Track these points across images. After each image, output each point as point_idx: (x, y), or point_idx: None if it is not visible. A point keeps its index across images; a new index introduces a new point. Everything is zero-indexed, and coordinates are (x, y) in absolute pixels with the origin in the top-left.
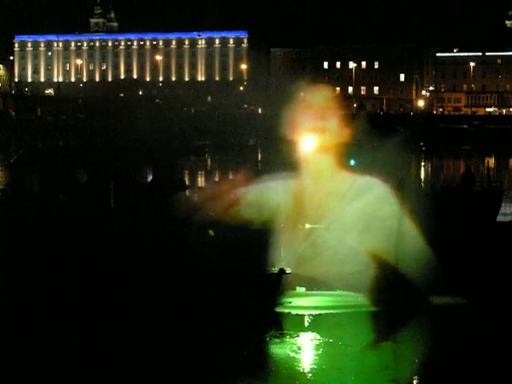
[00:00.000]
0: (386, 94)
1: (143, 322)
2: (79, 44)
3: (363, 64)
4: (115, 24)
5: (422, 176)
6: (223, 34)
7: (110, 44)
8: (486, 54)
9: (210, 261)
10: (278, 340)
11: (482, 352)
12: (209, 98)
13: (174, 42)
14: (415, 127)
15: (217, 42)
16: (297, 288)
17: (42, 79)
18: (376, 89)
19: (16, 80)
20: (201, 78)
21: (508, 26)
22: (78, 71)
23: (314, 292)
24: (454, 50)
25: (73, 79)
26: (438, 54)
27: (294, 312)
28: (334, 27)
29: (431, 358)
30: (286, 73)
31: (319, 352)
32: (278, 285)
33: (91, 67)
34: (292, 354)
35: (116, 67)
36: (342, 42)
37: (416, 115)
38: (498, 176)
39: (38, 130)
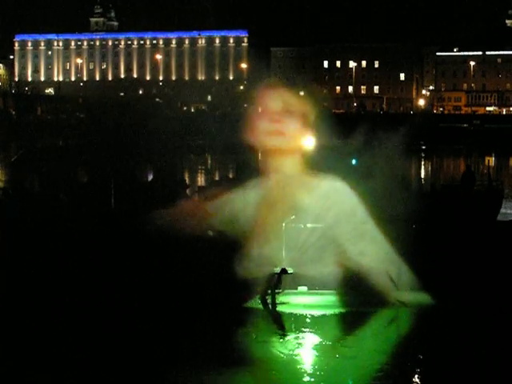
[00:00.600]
0: (386, 93)
1: (144, 324)
2: (79, 43)
3: (363, 63)
4: (115, 23)
5: (422, 175)
6: (223, 34)
7: (110, 43)
8: (486, 53)
9: (209, 262)
10: (277, 339)
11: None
12: (209, 97)
13: (174, 42)
14: (416, 126)
15: (217, 41)
16: (298, 287)
17: (42, 78)
18: (376, 88)
19: (16, 79)
20: (201, 77)
21: (508, 25)
22: (78, 70)
23: (316, 291)
24: (454, 49)
25: (73, 78)
26: (438, 53)
27: (294, 311)
28: (334, 26)
29: (432, 358)
30: (286, 72)
31: (318, 352)
32: (279, 284)
33: (91, 66)
34: (291, 354)
35: (116, 66)
36: (342, 41)
37: (416, 114)
38: (498, 175)
39: (39, 130)
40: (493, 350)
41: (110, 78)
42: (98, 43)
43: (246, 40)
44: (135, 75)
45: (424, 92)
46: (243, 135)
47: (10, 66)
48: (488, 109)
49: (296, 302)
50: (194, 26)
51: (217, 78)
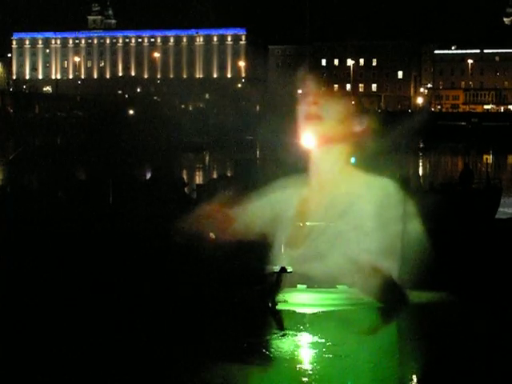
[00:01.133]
0: (384, 91)
1: (147, 322)
2: (77, 41)
3: (361, 61)
4: (113, 21)
5: (421, 173)
6: (221, 32)
7: (107, 41)
8: (484, 51)
9: (211, 261)
10: (276, 337)
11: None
12: (207, 96)
13: (171, 40)
14: (416, 125)
15: (215, 39)
16: (298, 285)
17: (40, 76)
18: (374, 86)
19: (14, 77)
20: (199, 75)
21: (506, 23)
22: (76, 68)
23: (315, 289)
24: (452, 47)
25: (71, 76)
26: (436, 51)
27: (294, 309)
28: (332, 24)
29: (431, 358)
30: (284, 70)
31: (317, 350)
32: (278, 283)
33: (89, 64)
34: (290, 352)
35: (114, 64)
36: (340, 39)
37: (413, 112)
38: (495, 173)
39: (36, 128)
40: (491, 349)
41: (107, 76)
42: (95, 41)
43: (243, 38)
44: (133, 73)
45: (422, 90)
46: (292, 138)
47: (7, 64)
48: (486, 107)
49: (295, 299)
50: (192, 24)
51: (215, 76)
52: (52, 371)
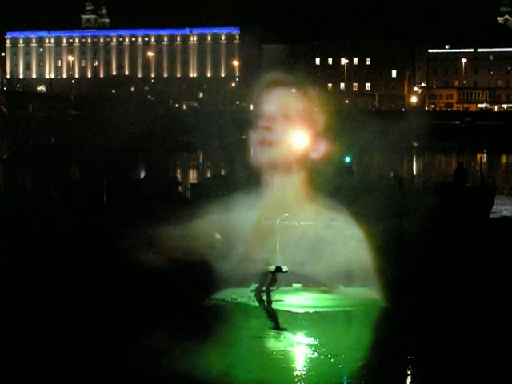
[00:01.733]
0: (378, 90)
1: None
2: (71, 40)
3: (355, 60)
4: (107, 20)
5: (414, 173)
6: (215, 31)
7: (101, 40)
8: (478, 50)
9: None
10: (271, 337)
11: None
12: (201, 95)
13: (165, 39)
14: (411, 124)
15: (208, 38)
16: (293, 285)
17: (34, 76)
18: (368, 85)
19: (7, 76)
20: (193, 74)
21: (500, 22)
22: (70, 68)
23: (310, 288)
24: (446, 46)
25: (64, 75)
26: (429, 51)
27: (289, 309)
28: (326, 23)
29: (422, 356)
30: (278, 69)
31: (309, 349)
32: (274, 282)
33: (83, 63)
34: (284, 351)
35: (108, 63)
36: (333, 39)
37: (408, 111)
38: (489, 172)
39: (30, 127)
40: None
41: (101, 76)
42: (89, 40)
43: (237, 37)
44: (127, 72)
45: (416, 89)
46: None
47: (1, 64)
48: (479, 106)
49: (290, 298)
50: (186, 23)
51: (208, 75)
52: None
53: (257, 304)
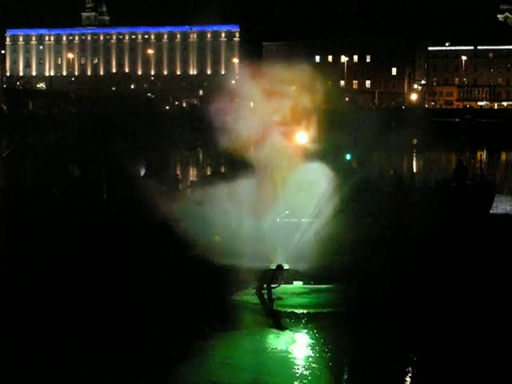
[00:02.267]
0: (377, 87)
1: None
2: (71, 38)
3: (355, 58)
4: (107, 18)
5: (415, 170)
6: (215, 28)
7: (101, 38)
8: (478, 47)
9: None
10: (271, 334)
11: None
12: (200, 92)
13: (165, 36)
14: (411, 122)
15: (208, 35)
16: (294, 282)
17: (34, 73)
18: (368, 83)
19: (7, 74)
20: (192, 71)
21: (499, 19)
22: (70, 65)
23: (311, 286)
24: (446, 44)
25: (64, 73)
26: (429, 48)
27: (289, 309)
28: (325, 21)
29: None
30: (278, 66)
31: (310, 347)
32: (275, 280)
33: (83, 61)
34: (284, 349)
35: (108, 61)
36: (333, 36)
37: (409, 109)
38: (489, 170)
39: (30, 124)
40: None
41: (101, 73)
42: (89, 38)
43: (237, 35)
44: (127, 70)
45: (416, 86)
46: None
47: (1, 61)
48: (479, 103)
49: (291, 296)
50: (186, 20)
51: (208, 72)
52: None
53: (257, 302)
